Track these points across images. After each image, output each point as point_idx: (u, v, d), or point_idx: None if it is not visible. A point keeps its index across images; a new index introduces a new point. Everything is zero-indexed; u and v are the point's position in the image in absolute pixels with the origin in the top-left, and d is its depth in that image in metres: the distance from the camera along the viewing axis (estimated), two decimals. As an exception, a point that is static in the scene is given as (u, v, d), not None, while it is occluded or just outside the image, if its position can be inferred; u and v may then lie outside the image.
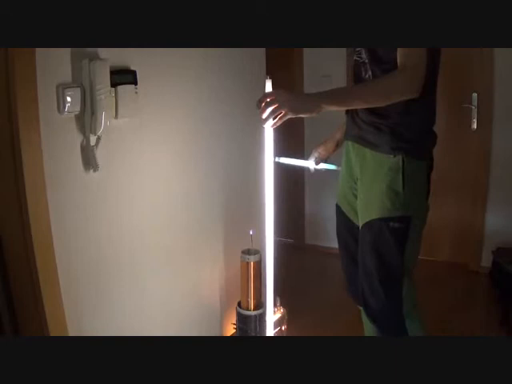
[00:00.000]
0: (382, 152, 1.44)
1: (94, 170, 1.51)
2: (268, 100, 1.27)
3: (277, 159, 1.68)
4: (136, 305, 1.76)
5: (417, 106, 1.39)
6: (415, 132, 1.44)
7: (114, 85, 1.51)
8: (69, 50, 1.41)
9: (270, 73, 1.40)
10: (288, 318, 2.30)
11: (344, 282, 1.74)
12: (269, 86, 1.39)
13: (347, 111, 1.59)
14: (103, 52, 1.48)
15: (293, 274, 3.12)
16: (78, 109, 1.43)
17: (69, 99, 1.40)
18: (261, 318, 2.04)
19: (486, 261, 3.08)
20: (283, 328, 2.27)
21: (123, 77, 1.55)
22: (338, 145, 1.74)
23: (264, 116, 1.28)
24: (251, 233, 2.06)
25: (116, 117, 1.56)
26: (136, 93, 1.60)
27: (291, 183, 3.50)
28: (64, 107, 1.40)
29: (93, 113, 1.44)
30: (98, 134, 1.47)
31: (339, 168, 1.70)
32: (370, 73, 1.45)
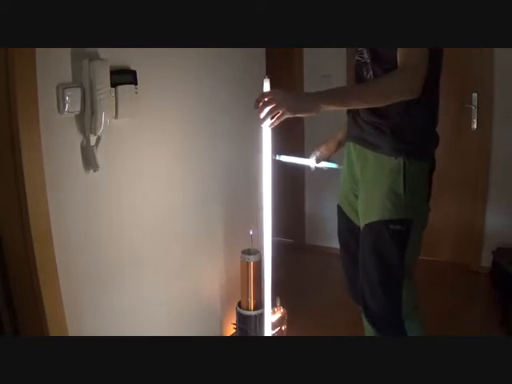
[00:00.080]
0: (384, 153, 1.44)
1: (94, 170, 1.51)
2: (266, 100, 1.26)
3: (277, 157, 1.68)
4: (136, 305, 1.76)
5: (417, 107, 1.38)
6: (416, 133, 1.43)
7: (114, 85, 1.51)
8: (69, 49, 1.41)
9: (270, 73, 1.39)
10: (288, 318, 2.30)
11: (344, 282, 1.75)
12: (267, 86, 1.37)
13: (348, 111, 1.58)
14: (103, 52, 1.48)
15: (293, 274, 3.12)
16: (78, 109, 1.43)
17: (69, 99, 1.39)
18: (261, 318, 2.03)
19: (486, 261, 3.08)
20: (283, 328, 2.27)
21: (123, 77, 1.56)
22: (339, 145, 1.74)
23: (261, 116, 1.27)
24: (251, 233, 2.06)
25: (116, 117, 1.56)
26: (136, 93, 1.60)
27: (291, 183, 3.49)
28: (64, 107, 1.40)
29: (93, 113, 1.44)
30: (98, 134, 1.47)
31: (340, 166, 1.69)
32: (371, 73, 1.44)
